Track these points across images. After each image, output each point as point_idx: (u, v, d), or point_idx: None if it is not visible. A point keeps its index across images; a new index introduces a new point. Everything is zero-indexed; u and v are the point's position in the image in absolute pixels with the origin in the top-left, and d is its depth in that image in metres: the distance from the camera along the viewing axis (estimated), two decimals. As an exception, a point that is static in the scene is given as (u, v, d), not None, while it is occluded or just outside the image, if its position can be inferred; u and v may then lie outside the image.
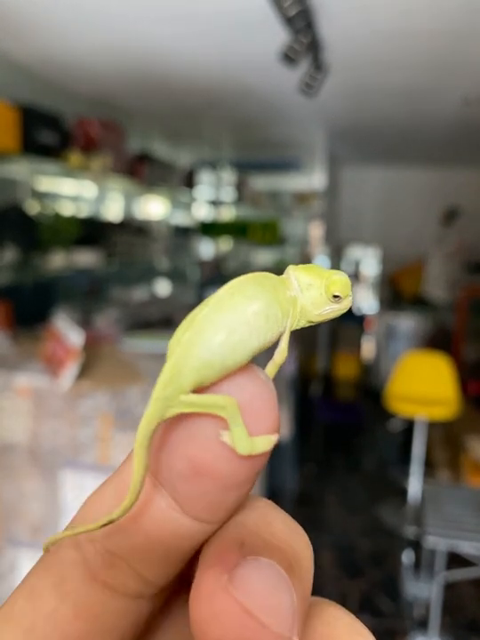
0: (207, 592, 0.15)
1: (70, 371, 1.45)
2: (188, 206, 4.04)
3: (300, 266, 0.21)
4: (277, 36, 1.82)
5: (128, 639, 0.19)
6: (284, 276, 0.21)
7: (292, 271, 0.21)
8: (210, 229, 3.95)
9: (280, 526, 0.18)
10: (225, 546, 0.16)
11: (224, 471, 0.17)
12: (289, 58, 1.70)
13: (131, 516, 0.18)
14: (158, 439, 0.18)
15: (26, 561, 1.55)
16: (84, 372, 1.53)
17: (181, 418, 0.17)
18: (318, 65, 1.98)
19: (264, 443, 0.17)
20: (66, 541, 0.18)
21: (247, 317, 0.18)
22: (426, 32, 1.87)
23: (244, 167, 4.16)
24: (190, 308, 0.22)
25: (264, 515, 0.18)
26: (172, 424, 0.17)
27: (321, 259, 4.39)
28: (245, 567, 0.15)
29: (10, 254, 1.97)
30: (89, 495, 0.19)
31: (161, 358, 1.75)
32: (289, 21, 1.58)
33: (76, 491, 1.50)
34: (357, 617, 0.18)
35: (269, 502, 0.19)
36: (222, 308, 0.18)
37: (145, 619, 0.19)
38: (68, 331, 1.51)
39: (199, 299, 2.89)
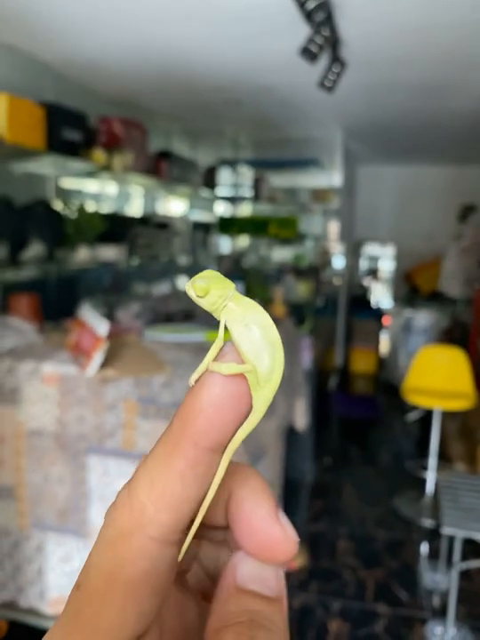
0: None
1: (96, 359, 1.49)
2: (207, 203, 4.09)
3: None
4: (296, 33, 1.85)
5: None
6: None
7: None
8: (229, 226, 3.99)
9: None
10: None
11: None
12: (310, 52, 1.72)
13: None
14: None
15: (52, 544, 1.59)
16: (109, 361, 1.56)
17: None
18: (337, 59, 2.00)
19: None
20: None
21: None
22: (443, 26, 1.88)
23: (263, 165, 4.20)
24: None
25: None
26: None
27: (338, 255, 4.41)
28: None
29: (36, 249, 2.03)
30: None
31: (182, 349, 1.79)
32: (308, 15, 1.60)
33: (100, 476, 1.54)
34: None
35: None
36: None
37: None
38: (94, 320, 1.56)
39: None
